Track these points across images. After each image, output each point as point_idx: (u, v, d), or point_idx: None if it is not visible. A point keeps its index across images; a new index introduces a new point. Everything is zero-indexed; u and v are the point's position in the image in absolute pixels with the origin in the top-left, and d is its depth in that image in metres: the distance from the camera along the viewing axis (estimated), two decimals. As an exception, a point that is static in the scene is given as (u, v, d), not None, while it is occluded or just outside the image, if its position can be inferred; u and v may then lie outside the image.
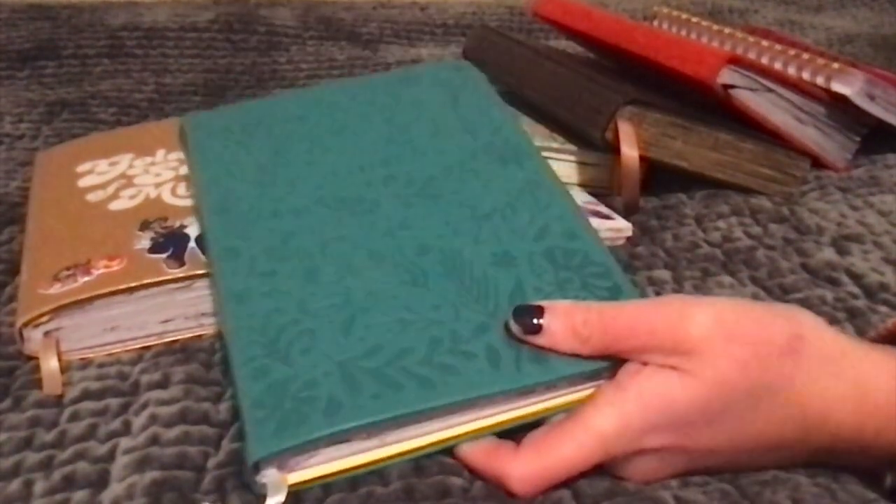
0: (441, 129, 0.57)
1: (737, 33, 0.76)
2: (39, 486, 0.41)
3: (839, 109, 0.68)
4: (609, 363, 0.41)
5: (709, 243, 0.61)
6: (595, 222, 0.58)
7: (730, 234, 0.61)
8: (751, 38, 0.74)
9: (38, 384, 0.48)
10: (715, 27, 0.79)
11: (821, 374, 0.39)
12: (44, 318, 0.49)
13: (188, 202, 0.58)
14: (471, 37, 0.88)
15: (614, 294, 0.44)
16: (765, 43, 0.73)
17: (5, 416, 0.46)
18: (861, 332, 0.50)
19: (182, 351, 0.51)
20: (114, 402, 0.47)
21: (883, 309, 0.52)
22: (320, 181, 0.53)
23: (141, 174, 0.62)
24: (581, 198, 0.64)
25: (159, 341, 0.51)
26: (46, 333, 0.50)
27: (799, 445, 0.40)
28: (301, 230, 0.50)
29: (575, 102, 0.65)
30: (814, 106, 0.67)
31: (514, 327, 0.42)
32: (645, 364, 0.39)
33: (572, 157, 0.66)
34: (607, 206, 0.64)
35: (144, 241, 0.54)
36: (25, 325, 0.49)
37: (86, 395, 0.47)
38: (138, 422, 0.45)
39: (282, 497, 0.39)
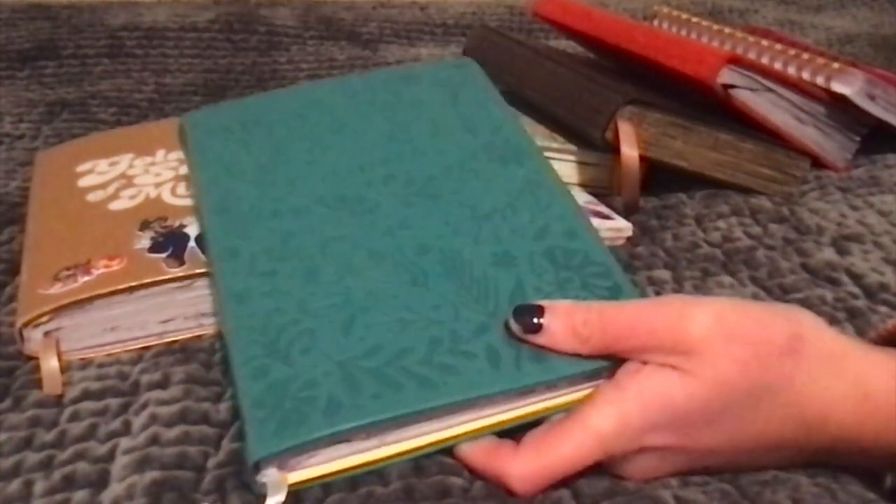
0: (441, 128, 0.57)
1: (737, 33, 0.76)
2: (39, 486, 0.41)
3: (839, 109, 0.68)
4: (609, 363, 0.41)
5: (709, 243, 0.61)
6: (595, 222, 0.58)
7: (730, 234, 0.61)
8: (751, 38, 0.74)
9: (38, 384, 0.48)
10: (715, 27, 0.79)
11: (821, 375, 0.39)
12: (44, 318, 0.49)
13: (188, 202, 0.58)
14: (471, 37, 0.88)
15: (614, 294, 0.44)
16: (765, 43, 0.73)
17: (5, 416, 0.46)
18: (861, 332, 0.50)
19: (182, 351, 0.51)
20: (114, 402, 0.47)
21: (883, 309, 0.52)
22: (320, 181, 0.53)
23: (141, 174, 0.62)
24: (581, 198, 0.64)
25: (159, 341, 0.51)
26: (46, 333, 0.50)
27: (799, 445, 0.40)
28: (301, 230, 0.50)
29: (575, 102, 0.65)
30: (814, 106, 0.67)
31: (515, 326, 0.42)
32: (645, 363, 0.40)
33: (572, 157, 0.66)
34: (607, 206, 0.64)
35: (144, 241, 0.54)
36: (25, 325, 0.49)
37: (86, 395, 0.47)
38: (138, 422, 0.45)
39: (282, 497, 0.39)
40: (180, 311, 0.51)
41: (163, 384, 0.48)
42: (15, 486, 0.41)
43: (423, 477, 0.41)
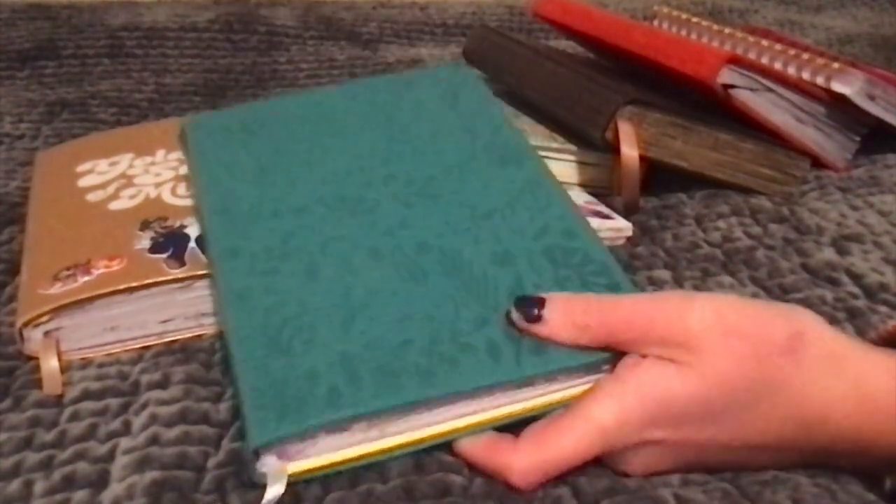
0: (440, 130, 0.57)
1: (737, 33, 0.76)
2: (39, 486, 0.41)
3: (839, 109, 0.68)
4: (608, 355, 0.41)
5: (709, 243, 0.61)
6: (595, 222, 0.58)
7: (730, 234, 0.61)
8: (751, 38, 0.74)
9: (38, 384, 0.48)
10: (715, 27, 0.79)
11: (821, 374, 0.39)
12: (44, 318, 0.49)
13: (188, 202, 0.58)
14: (471, 37, 0.88)
15: (613, 291, 0.45)
16: (765, 43, 0.73)
17: (5, 416, 0.46)
18: (861, 332, 0.50)
19: (182, 351, 0.51)
20: (114, 402, 0.47)
21: (883, 309, 0.52)
22: (320, 181, 0.54)
23: (141, 174, 0.62)
24: (581, 198, 0.64)
25: (159, 341, 0.51)
26: (46, 333, 0.50)
27: (799, 445, 0.40)
28: (301, 229, 0.50)
29: (575, 102, 0.65)
30: (814, 106, 0.67)
31: (515, 315, 0.42)
32: (644, 357, 0.40)
33: (572, 157, 0.66)
34: (607, 206, 0.64)
35: (145, 241, 0.54)
36: (25, 325, 0.49)
37: (86, 395, 0.47)
38: (138, 422, 0.45)
39: (282, 487, 0.39)
40: (180, 311, 0.51)
41: (163, 384, 0.48)
42: (15, 486, 0.41)
43: (422, 475, 0.41)
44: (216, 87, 0.95)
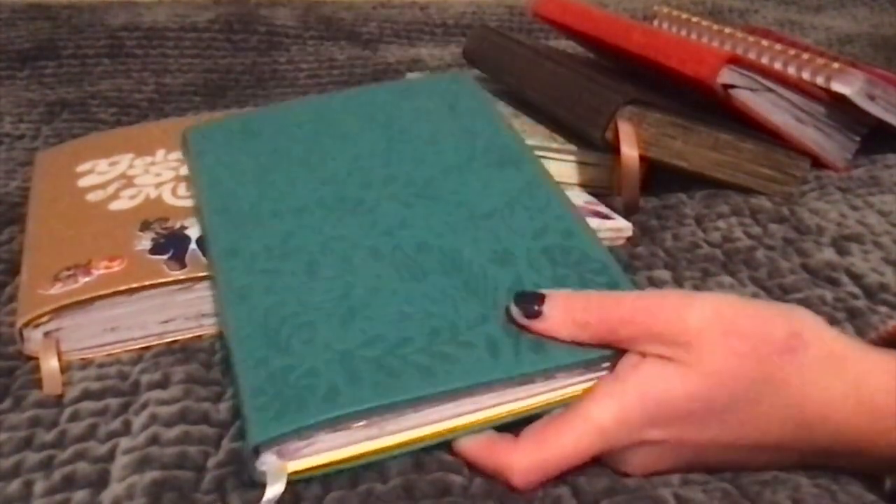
0: (440, 132, 0.57)
1: (737, 33, 0.76)
2: (39, 486, 0.41)
3: (839, 109, 0.68)
4: (608, 352, 0.41)
5: (709, 243, 0.61)
6: (595, 222, 0.58)
7: (730, 234, 0.61)
8: (751, 38, 0.74)
9: (38, 384, 0.48)
10: (715, 27, 0.79)
11: (821, 374, 0.39)
12: (44, 319, 0.50)
13: (189, 203, 0.58)
14: (471, 37, 0.88)
15: (612, 290, 0.45)
16: (765, 43, 0.73)
17: (5, 416, 0.46)
18: (861, 333, 0.50)
19: (182, 351, 0.51)
20: (114, 402, 0.47)
21: (883, 309, 0.52)
22: (320, 182, 0.54)
23: (141, 174, 0.62)
24: (581, 198, 0.64)
25: (159, 341, 0.51)
26: (46, 333, 0.50)
27: (799, 445, 0.40)
28: (301, 229, 0.50)
29: (575, 102, 0.65)
30: (814, 106, 0.67)
31: (515, 311, 0.42)
32: (643, 356, 0.40)
33: (572, 157, 0.66)
34: (607, 206, 0.64)
35: (145, 242, 0.54)
36: (26, 325, 0.49)
37: (86, 395, 0.47)
38: (138, 422, 0.45)
39: (281, 486, 0.39)
40: (181, 311, 0.51)
41: (163, 384, 0.48)
42: (15, 486, 0.41)
43: (422, 474, 0.41)
44: (216, 87, 0.95)
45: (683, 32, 0.83)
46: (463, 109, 0.59)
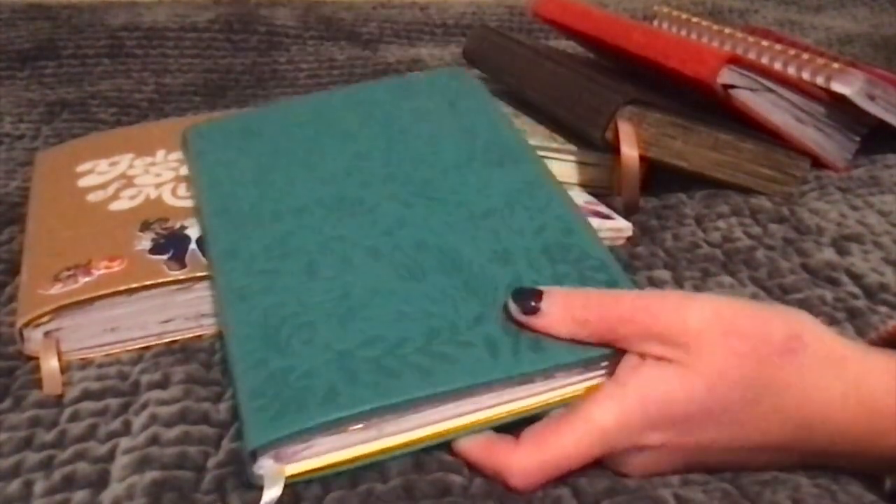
0: (439, 131, 0.57)
1: (737, 33, 0.76)
2: (39, 486, 0.41)
3: (839, 109, 0.68)
4: (607, 351, 0.41)
5: (709, 243, 0.61)
6: (595, 222, 0.58)
7: (730, 234, 0.61)
8: (751, 38, 0.74)
9: (38, 384, 0.48)
10: (715, 27, 0.79)
11: (820, 375, 0.39)
12: (44, 319, 0.50)
13: (189, 203, 0.58)
14: (471, 37, 0.88)
15: (611, 287, 0.45)
16: (765, 43, 0.73)
17: (5, 416, 0.46)
18: (861, 333, 0.50)
19: (182, 351, 0.51)
20: (114, 402, 0.47)
21: (883, 309, 0.52)
22: (319, 182, 0.54)
23: (141, 174, 0.62)
24: (581, 198, 0.64)
25: (159, 341, 0.51)
26: (47, 333, 0.50)
27: (799, 446, 0.40)
28: (300, 230, 0.50)
29: (575, 102, 0.65)
30: (814, 106, 0.67)
31: (513, 307, 0.42)
32: (643, 357, 0.40)
33: (572, 157, 0.66)
34: (607, 206, 0.64)
35: (145, 242, 0.54)
36: (26, 325, 0.49)
37: (86, 395, 0.47)
38: (138, 422, 0.45)
39: (279, 489, 0.39)
40: (180, 311, 0.51)
41: (163, 384, 0.48)
42: (15, 486, 0.41)
43: (422, 474, 0.41)
44: (216, 87, 0.95)
45: (683, 32, 0.83)
46: (463, 107, 0.59)
